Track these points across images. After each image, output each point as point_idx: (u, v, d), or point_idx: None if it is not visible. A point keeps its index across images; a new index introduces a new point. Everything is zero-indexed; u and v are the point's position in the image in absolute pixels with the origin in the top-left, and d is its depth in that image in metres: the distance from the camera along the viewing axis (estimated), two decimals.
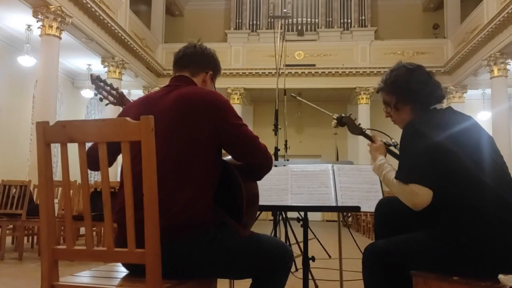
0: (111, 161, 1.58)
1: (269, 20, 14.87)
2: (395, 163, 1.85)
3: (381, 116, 2.05)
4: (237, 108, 13.22)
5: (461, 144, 1.62)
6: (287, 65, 6.11)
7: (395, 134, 1.97)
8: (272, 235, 3.92)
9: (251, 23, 15.21)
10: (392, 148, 2.04)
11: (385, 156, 1.93)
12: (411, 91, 1.79)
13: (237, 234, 1.54)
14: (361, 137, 2.06)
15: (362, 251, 1.82)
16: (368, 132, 2.10)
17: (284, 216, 4.39)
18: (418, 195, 1.57)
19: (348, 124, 2.12)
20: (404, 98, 1.81)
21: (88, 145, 1.41)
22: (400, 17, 15.58)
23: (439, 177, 1.57)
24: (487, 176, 1.57)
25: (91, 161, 1.45)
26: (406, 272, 1.67)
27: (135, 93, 13.66)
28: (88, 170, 1.42)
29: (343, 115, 2.19)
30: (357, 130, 2.07)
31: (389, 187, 1.74)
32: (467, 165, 1.58)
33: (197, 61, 1.73)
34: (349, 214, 10.82)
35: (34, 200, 5.92)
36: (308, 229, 2.60)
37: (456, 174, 1.57)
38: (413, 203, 1.59)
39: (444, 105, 1.86)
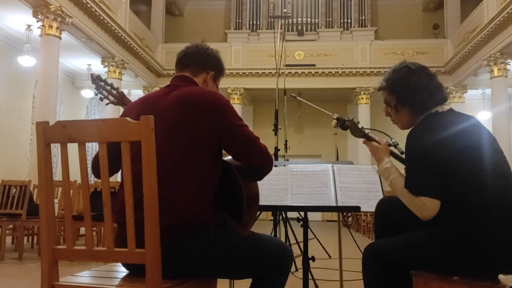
0: (119, 165, 1.58)
1: (269, 20, 14.86)
2: (397, 164, 1.84)
3: (381, 116, 2.05)
4: (237, 108, 13.21)
5: (462, 144, 1.62)
6: (287, 65, 6.11)
7: (395, 134, 1.97)
8: (272, 235, 3.92)
9: (251, 23, 15.21)
10: (392, 148, 2.03)
11: (389, 155, 1.90)
12: (409, 94, 1.78)
13: (237, 234, 1.54)
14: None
15: (362, 251, 1.82)
16: (370, 134, 2.07)
17: (284, 216, 4.39)
18: (428, 208, 1.58)
19: (351, 128, 2.06)
20: (403, 100, 1.80)
21: (88, 145, 1.41)
22: (400, 17, 15.58)
23: (444, 182, 1.58)
24: (488, 176, 1.57)
25: (98, 169, 1.44)
26: (406, 272, 1.67)
27: (135, 93, 13.66)
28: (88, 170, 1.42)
29: (346, 118, 2.11)
30: (360, 133, 2.01)
31: (397, 193, 1.73)
32: (467, 165, 1.58)
33: (198, 61, 1.73)
34: (349, 214, 10.82)
35: (34, 200, 5.92)
36: (308, 229, 2.60)
37: (457, 175, 1.57)
38: (422, 214, 1.61)
39: (446, 106, 1.84)
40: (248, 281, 1.64)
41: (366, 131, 2.04)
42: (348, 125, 2.08)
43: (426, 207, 1.58)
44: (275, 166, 2.50)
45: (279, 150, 4.48)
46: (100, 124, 1.31)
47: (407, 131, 1.78)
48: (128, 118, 1.29)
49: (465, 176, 1.57)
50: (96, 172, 1.57)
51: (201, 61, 1.73)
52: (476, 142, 1.65)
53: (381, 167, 1.85)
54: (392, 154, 2.00)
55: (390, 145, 2.04)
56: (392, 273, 1.69)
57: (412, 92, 1.77)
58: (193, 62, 1.72)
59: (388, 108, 1.89)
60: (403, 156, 1.83)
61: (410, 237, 1.66)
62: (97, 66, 11.74)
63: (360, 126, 2.05)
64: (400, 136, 1.97)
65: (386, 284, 1.70)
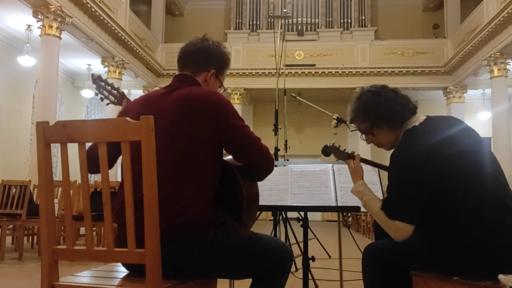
0: (112, 162, 1.58)
1: (269, 20, 14.86)
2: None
3: None
4: (237, 108, 13.18)
5: (458, 147, 1.61)
6: (287, 65, 6.11)
7: None
8: (272, 235, 3.92)
9: (251, 23, 15.21)
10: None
11: (362, 177, 1.90)
12: (383, 113, 1.77)
13: (237, 234, 1.54)
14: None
15: (362, 251, 1.82)
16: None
17: (284, 216, 4.39)
18: (402, 231, 1.61)
19: (334, 152, 2.08)
20: (378, 122, 1.80)
21: (88, 145, 1.41)
22: (400, 17, 15.58)
23: (441, 187, 1.57)
24: (485, 177, 1.57)
25: (91, 163, 1.43)
26: (406, 272, 1.67)
27: (135, 93, 13.66)
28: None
29: (328, 144, 2.12)
30: (344, 156, 2.02)
31: (372, 215, 1.76)
32: (465, 166, 1.58)
33: (198, 60, 1.70)
34: (349, 214, 10.82)
35: (34, 200, 5.92)
36: (308, 229, 2.60)
37: (454, 176, 1.57)
38: (395, 236, 1.64)
39: (421, 117, 1.81)
40: (248, 281, 1.64)
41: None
42: (331, 151, 2.09)
43: (401, 230, 1.61)
44: (275, 166, 2.50)
45: (279, 150, 4.48)
46: (100, 124, 1.31)
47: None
48: (128, 118, 1.29)
49: (464, 178, 1.57)
50: (91, 167, 1.48)
51: (201, 60, 1.71)
52: (473, 143, 1.65)
53: (354, 189, 1.88)
54: (378, 166, 2.01)
55: None
56: (392, 273, 1.69)
57: (385, 110, 1.76)
58: (193, 62, 1.71)
59: (367, 135, 1.88)
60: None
61: (409, 237, 1.66)
62: (97, 66, 11.74)
63: (342, 148, 2.05)
64: None
65: (386, 284, 1.70)
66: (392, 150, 1.77)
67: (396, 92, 1.82)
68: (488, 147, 1.70)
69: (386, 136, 1.82)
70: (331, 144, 2.10)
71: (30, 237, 6.47)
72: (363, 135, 1.90)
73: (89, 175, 1.42)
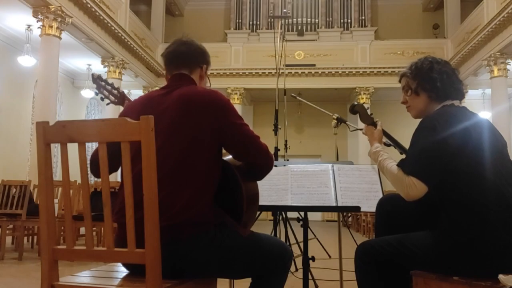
0: (116, 163, 1.56)
1: (269, 20, 14.86)
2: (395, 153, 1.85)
3: (381, 116, 2.06)
4: (237, 108, 13.18)
5: (470, 140, 1.60)
6: (287, 65, 6.11)
7: (395, 134, 1.98)
8: (272, 235, 3.92)
9: (251, 23, 15.20)
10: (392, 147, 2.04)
11: (381, 142, 1.94)
12: (432, 78, 1.78)
13: (237, 234, 1.54)
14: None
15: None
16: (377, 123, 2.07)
17: (284, 216, 4.39)
18: (416, 188, 1.57)
19: (361, 112, 2.08)
20: (424, 84, 1.80)
21: (88, 145, 1.41)
22: (400, 17, 15.58)
23: (442, 174, 1.57)
24: (489, 175, 1.57)
25: (95, 168, 1.44)
26: (404, 272, 1.66)
27: (135, 93, 13.67)
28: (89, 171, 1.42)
29: (355, 103, 2.13)
30: (368, 120, 2.03)
31: (386, 174, 1.75)
32: (469, 163, 1.58)
33: (192, 58, 1.74)
34: (349, 214, 10.82)
35: (34, 200, 5.92)
36: (308, 229, 2.60)
37: (458, 173, 1.57)
38: (407, 193, 1.60)
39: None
40: (248, 281, 1.64)
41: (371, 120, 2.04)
42: (358, 110, 2.09)
43: (415, 187, 1.57)
44: (275, 166, 2.50)
45: (279, 150, 4.48)
46: (100, 124, 1.31)
47: (406, 130, 1.80)
48: (128, 118, 1.29)
49: (467, 175, 1.56)
50: (94, 170, 1.55)
51: (195, 58, 1.75)
52: (485, 140, 1.64)
53: (371, 150, 1.90)
54: (393, 140, 2.02)
55: (390, 145, 2.05)
56: (387, 272, 1.68)
57: (435, 76, 1.78)
58: (187, 60, 1.73)
59: (408, 92, 1.87)
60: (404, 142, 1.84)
61: (408, 236, 1.65)
62: (97, 66, 11.73)
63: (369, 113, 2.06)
64: (400, 136, 1.98)
65: (381, 284, 1.69)
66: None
67: (454, 71, 1.84)
68: (502, 147, 1.69)
69: (421, 102, 1.83)
70: (358, 103, 2.11)
71: (30, 237, 6.47)
72: (403, 92, 1.91)
73: (89, 175, 1.42)
